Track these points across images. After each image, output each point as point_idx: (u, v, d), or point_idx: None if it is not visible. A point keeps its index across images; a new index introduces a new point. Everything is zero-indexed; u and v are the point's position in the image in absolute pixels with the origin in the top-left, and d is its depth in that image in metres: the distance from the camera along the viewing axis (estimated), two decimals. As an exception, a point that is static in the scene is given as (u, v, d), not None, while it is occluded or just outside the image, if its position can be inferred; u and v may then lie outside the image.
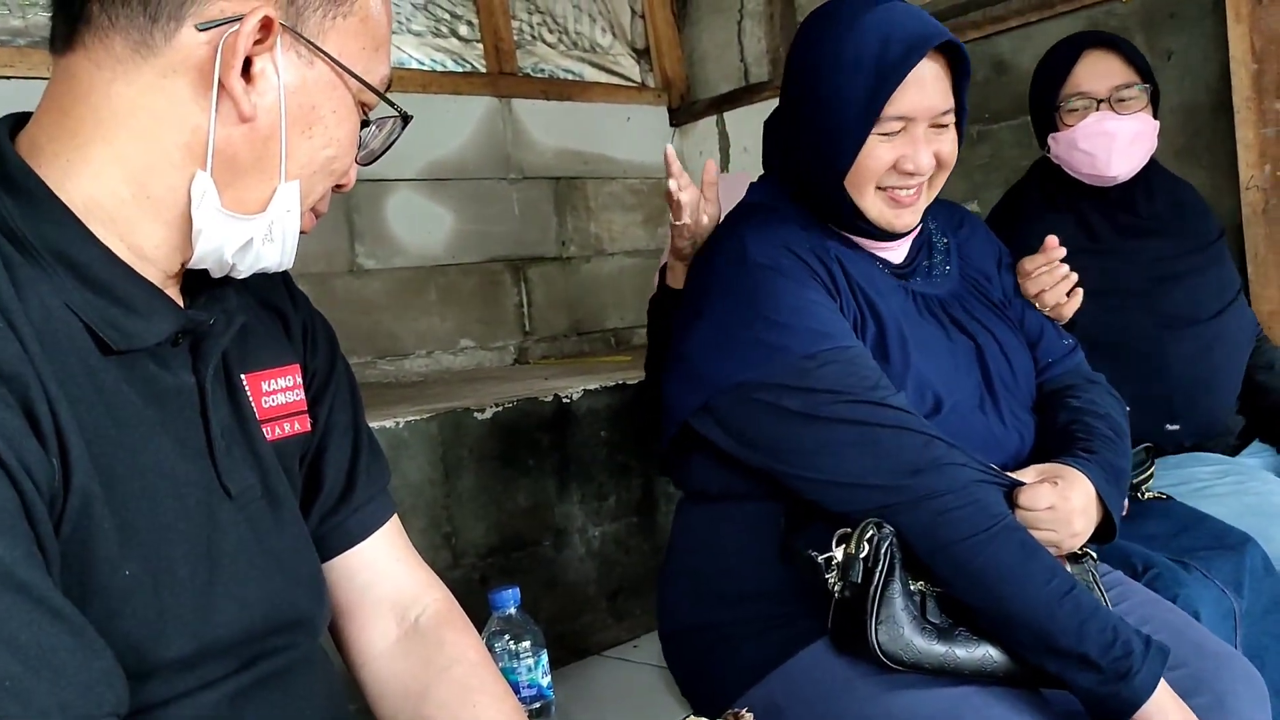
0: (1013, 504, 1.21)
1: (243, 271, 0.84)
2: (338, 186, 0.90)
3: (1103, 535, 1.29)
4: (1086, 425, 1.34)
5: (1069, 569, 1.21)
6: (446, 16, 3.06)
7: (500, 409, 1.78)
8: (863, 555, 1.11)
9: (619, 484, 1.91)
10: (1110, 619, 1.10)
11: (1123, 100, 1.81)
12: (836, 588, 1.12)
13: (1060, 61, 1.85)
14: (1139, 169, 1.85)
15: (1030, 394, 1.40)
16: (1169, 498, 1.78)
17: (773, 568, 1.25)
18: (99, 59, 0.77)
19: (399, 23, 2.96)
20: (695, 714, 1.04)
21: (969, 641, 1.14)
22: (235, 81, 0.76)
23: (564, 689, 1.56)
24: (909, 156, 1.25)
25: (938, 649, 1.12)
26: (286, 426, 0.94)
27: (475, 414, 1.76)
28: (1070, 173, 1.87)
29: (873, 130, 1.23)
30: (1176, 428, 1.86)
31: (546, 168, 3.12)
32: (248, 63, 0.77)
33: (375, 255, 2.76)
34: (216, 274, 0.84)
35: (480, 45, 3.09)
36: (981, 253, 1.48)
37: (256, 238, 0.82)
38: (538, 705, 1.33)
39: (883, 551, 1.12)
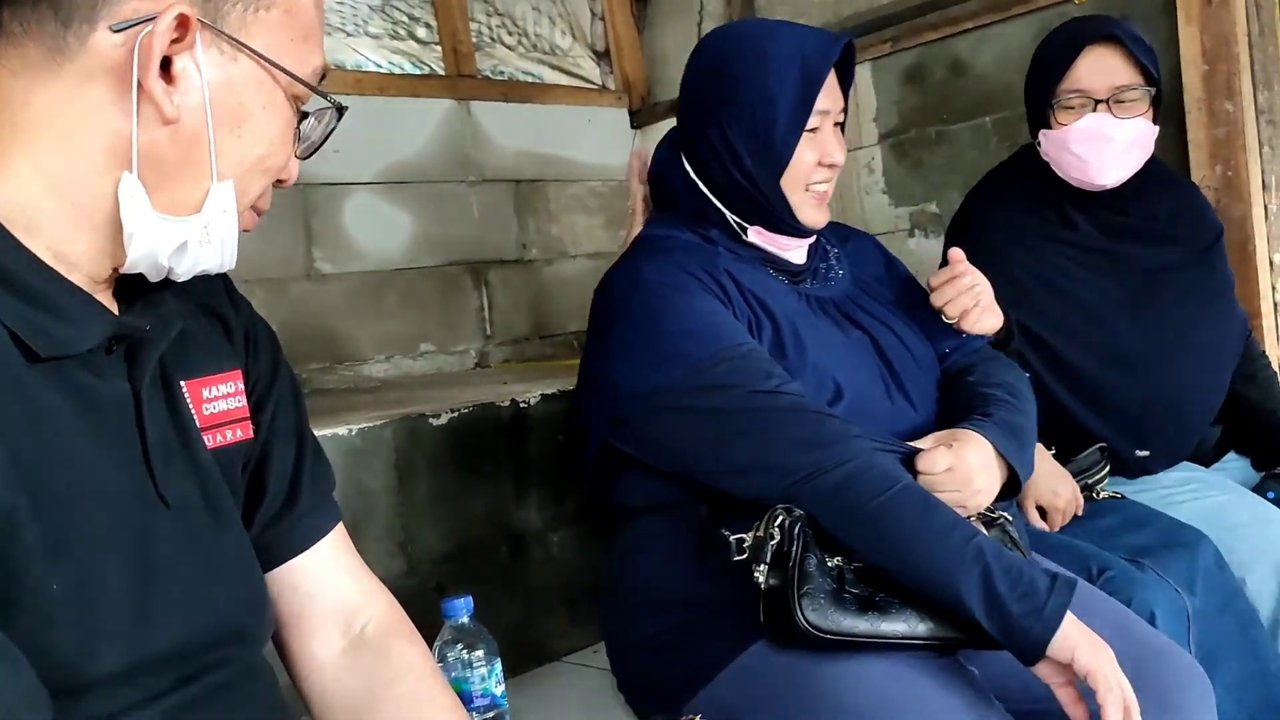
0: (914, 471, 1.26)
1: (181, 275, 0.82)
2: (278, 182, 0.88)
3: (1012, 491, 1.36)
4: (981, 394, 1.42)
5: (986, 534, 1.22)
6: (404, 19, 3.03)
7: (456, 414, 1.76)
8: (773, 540, 1.16)
9: (577, 489, 1.90)
10: (1015, 560, 1.14)
11: (1122, 102, 1.71)
12: (760, 577, 1.16)
13: (1061, 54, 1.74)
14: (1131, 175, 1.77)
15: (934, 376, 1.48)
16: (1123, 496, 1.80)
17: (707, 572, 1.27)
18: (14, 67, 0.75)
19: (356, 25, 2.93)
20: None
21: (891, 609, 1.17)
22: (154, 83, 0.74)
23: (521, 697, 1.55)
24: (828, 151, 1.40)
25: (862, 623, 1.16)
26: (228, 434, 0.92)
27: (430, 420, 1.74)
28: (1057, 172, 1.79)
29: (805, 129, 1.36)
30: (1145, 454, 1.82)
31: (506, 170, 3.10)
32: (167, 63, 0.75)
33: (333, 259, 2.73)
34: (153, 278, 0.82)
35: (439, 47, 3.07)
36: (871, 260, 1.59)
37: (191, 240, 0.80)
38: (491, 715, 1.32)
39: (795, 533, 1.16)
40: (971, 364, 1.50)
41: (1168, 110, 2.25)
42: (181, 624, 0.80)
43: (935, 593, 1.15)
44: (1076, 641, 1.09)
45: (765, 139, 1.37)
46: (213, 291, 0.97)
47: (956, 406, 1.42)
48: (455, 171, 2.99)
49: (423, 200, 2.90)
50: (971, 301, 1.49)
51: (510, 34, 3.28)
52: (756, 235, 1.43)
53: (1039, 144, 1.80)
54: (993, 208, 1.86)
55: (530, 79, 3.27)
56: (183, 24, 0.75)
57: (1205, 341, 1.84)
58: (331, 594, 1.01)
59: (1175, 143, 2.26)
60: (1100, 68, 1.71)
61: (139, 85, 0.74)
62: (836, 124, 1.42)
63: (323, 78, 0.87)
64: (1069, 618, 1.10)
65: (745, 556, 1.18)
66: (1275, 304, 2.21)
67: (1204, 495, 1.82)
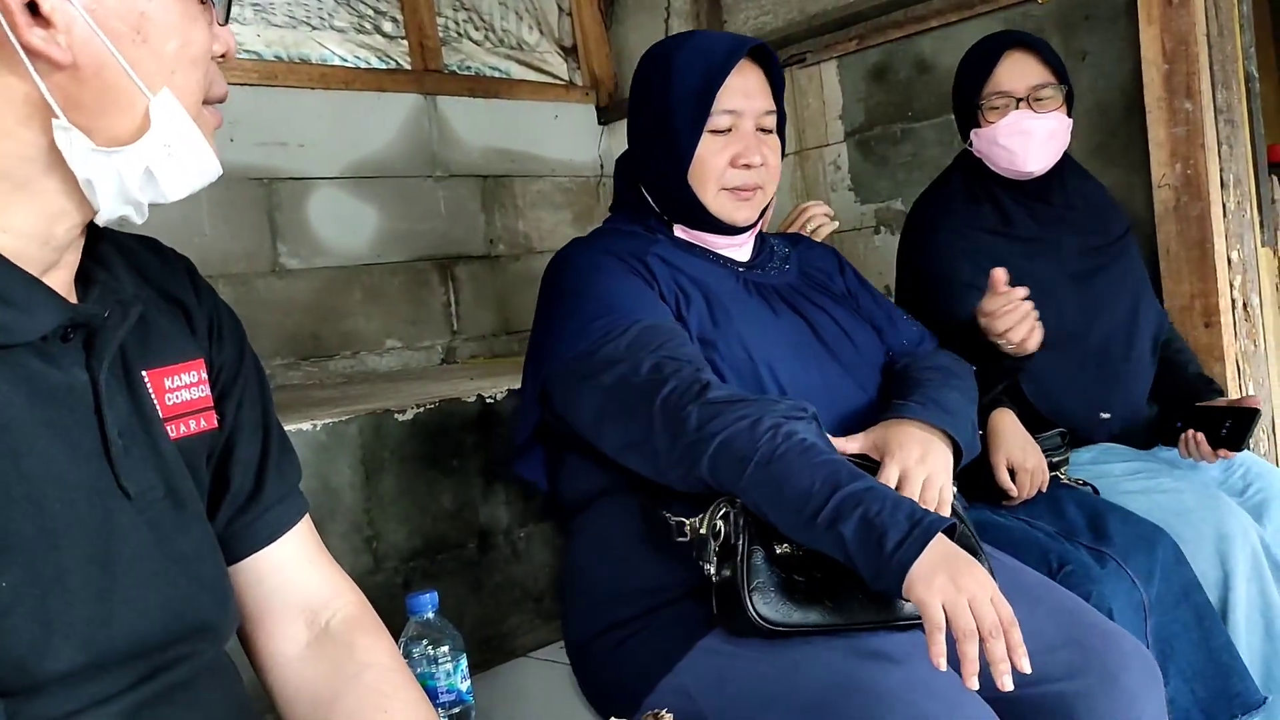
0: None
1: (173, 196, 0.79)
2: (220, 57, 0.83)
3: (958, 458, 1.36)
4: (911, 379, 1.45)
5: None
6: (370, 13, 3.01)
7: (422, 410, 1.76)
8: (718, 533, 1.18)
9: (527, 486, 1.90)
10: (886, 498, 1.11)
11: (1040, 100, 1.90)
12: (710, 570, 1.18)
13: (982, 61, 1.94)
14: (1053, 164, 1.96)
15: (878, 362, 1.52)
16: (1088, 484, 1.83)
17: (657, 561, 1.29)
18: None
19: (321, 19, 2.91)
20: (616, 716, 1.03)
21: (840, 592, 1.17)
22: (30, 34, 0.71)
23: (489, 692, 1.55)
24: (742, 152, 1.43)
25: (813, 614, 1.17)
26: (191, 424, 0.90)
27: (396, 415, 1.73)
28: (990, 166, 1.97)
29: (706, 127, 1.41)
30: (1108, 416, 1.95)
31: (473, 166, 3.09)
32: (35, 8, 0.71)
33: (298, 255, 2.71)
34: (137, 219, 0.79)
35: (405, 42, 3.05)
36: (821, 258, 1.63)
37: (154, 162, 0.77)
38: (457, 710, 1.32)
39: (740, 525, 1.18)
40: (914, 363, 1.53)
41: (1130, 109, 2.30)
42: (142, 619, 0.79)
43: (799, 535, 1.15)
44: (913, 582, 1.05)
45: (670, 139, 1.43)
46: (175, 278, 0.95)
47: (891, 394, 1.45)
48: (422, 167, 2.98)
49: (389, 195, 2.89)
50: (1032, 324, 1.58)
51: (477, 29, 3.27)
52: (681, 232, 1.49)
53: (970, 144, 2.00)
54: (936, 209, 2.02)
55: (497, 74, 3.26)
56: None
57: (1138, 318, 2.02)
58: (297, 587, 1.00)
59: (1136, 141, 2.29)
60: (1018, 70, 1.91)
61: (21, 44, 0.70)
62: (763, 129, 1.45)
63: None
64: (927, 559, 1.05)
65: (688, 541, 1.21)
66: (1233, 300, 2.24)
67: (1154, 480, 1.87)
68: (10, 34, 0.70)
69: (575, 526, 1.45)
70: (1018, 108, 1.90)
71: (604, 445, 1.31)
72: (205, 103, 0.82)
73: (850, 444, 1.33)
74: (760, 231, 1.58)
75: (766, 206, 1.51)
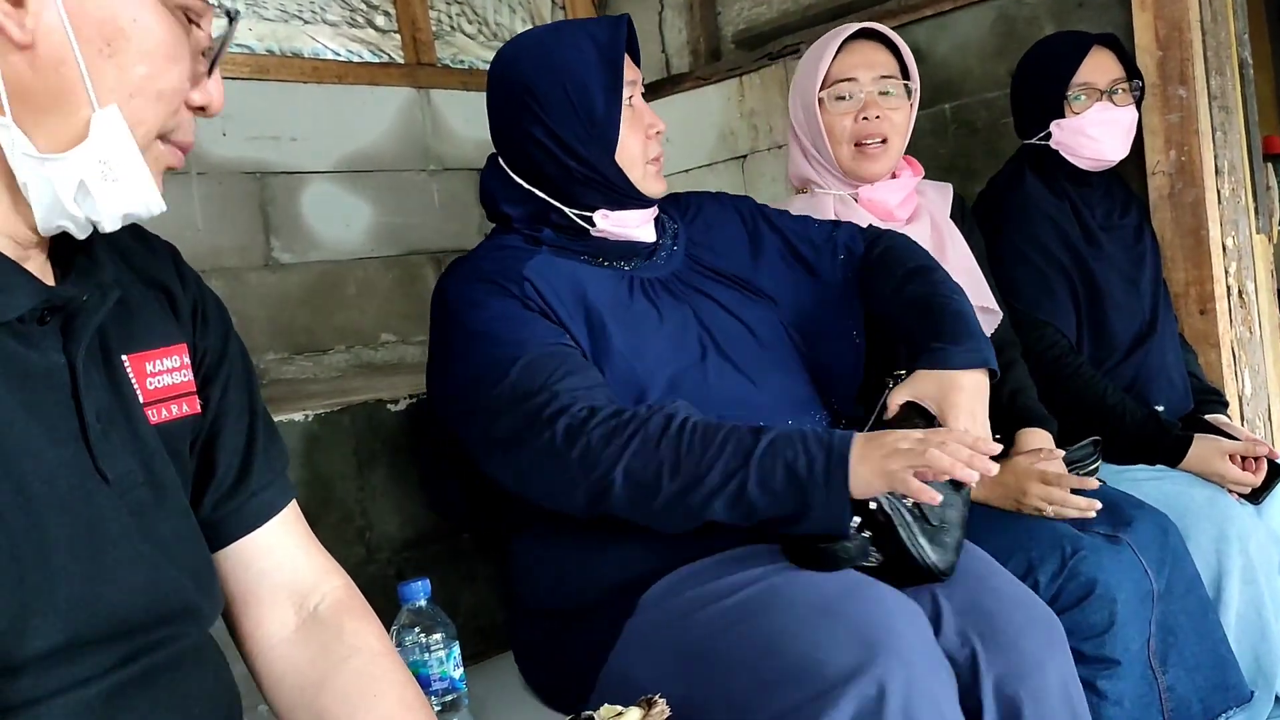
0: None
1: (105, 223, 0.77)
2: (199, 109, 0.82)
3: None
4: (918, 305, 1.45)
5: (956, 494, 1.26)
6: (363, 6, 3.00)
7: (414, 400, 1.75)
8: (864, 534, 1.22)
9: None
10: (787, 459, 1.17)
11: (1116, 94, 2.02)
12: (878, 558, 1.23)
13: (1067, 57, 2.03)
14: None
15: (776, 340, 1.50)
16: (1103, 482, 1.83)
17: (582, 577, 1.34)
18: None
19: (313, 12, 2.90)
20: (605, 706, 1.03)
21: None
22: None
23: (482, 681, 1.55)
24: (652, 120, 1.46)
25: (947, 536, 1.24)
26: (174, 408, 0.90)
27: (389, 406, 1.73)
28: (1069, 157, 2.04)
29: (625, 104, 1.41)
30: (1161, 408, 1.98)
31: (467, 159, 3.08)
32: None
33: (291, 249, 2.70)
34: (78, 233, 0.78)
35: (398, 36, 3.04)
36: (715, 222, 1.60)
37: (89, 178, 0.75)
38: (450, 698, 1.31)
39: (894, 508, 1.22)
40: (874, 267, 1.55)
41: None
42: (122, 600, 0.78)
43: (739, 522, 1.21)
44: (869, 482, 1.16)
45: (589, 121, 1.41)
46: (159, 264, 0.95)
47: (900, 330, 1.46)
48: (415, 160, 2.97)
49: (382, 189, 2.88)
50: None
51: (470, 22, 3.26)
52: (604, 220, 1.45)
53: (1046, 136, 2.04)
54: (1025, 202, 2.05)
55: (491, 68, 3.25)
56: None
57: (1169, 304, 2.14)
58: (284, 572, 0.99)
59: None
60: (1101, 65, 2.02)
61: None
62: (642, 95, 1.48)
63: None
64: (851, 470, 1.15)
65: (848, 558, 1.21)
66: (1228, 287, 2.23)
67: (1160, 471, 1.92)
68: None
69: (509, 546, 1.48)
70: (1100, 100, 2.00)
71: (519, 492, 1.33)
72: (165, 140, 0.81)
73: (899, 395, 1.35)
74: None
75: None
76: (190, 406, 0.92)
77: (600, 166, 1.42)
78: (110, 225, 0.78)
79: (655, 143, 1.46)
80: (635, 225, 1.48)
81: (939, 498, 1.16)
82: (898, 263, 1.54)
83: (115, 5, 0.74)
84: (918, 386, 1.35)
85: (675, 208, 1.62)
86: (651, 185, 1.47)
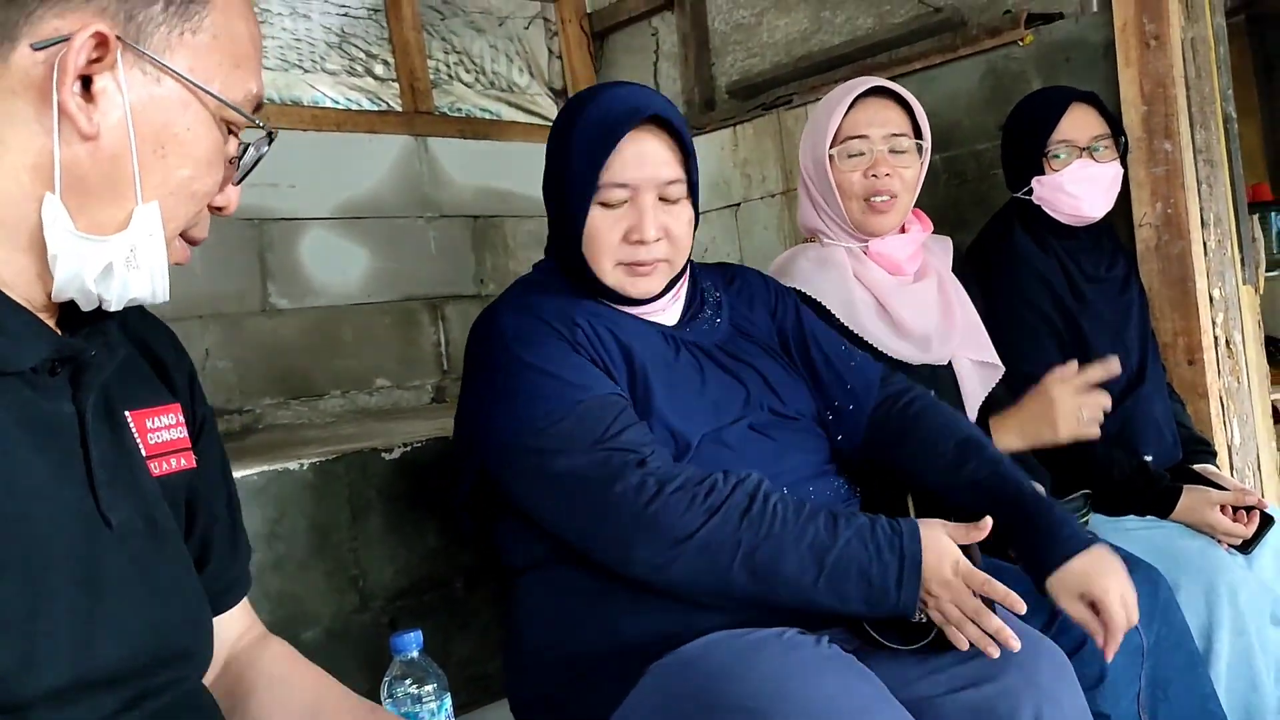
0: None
1: (112, 303, 0.82)
2: (217, 209, 0.89)
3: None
4: (987, 508, 1.37)
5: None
6: (362, 55, 3.05)
7: (409, 449, 1.77)
8: None
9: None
10: (862, 563, 1.21)
11: (1097, 150, 2.03)
12: None
13: (1046, 113, 2.04)
14: (1108, 211, 2.08)
15: (809, 418, 1.49)
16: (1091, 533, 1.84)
17: (595, 630, 1.30)
18: None
19: (313, 61, 2.94)
20: None
21: None
22: (70, 98, 0.76)
23: (474, 732, 1.54)
24: (635, 227, 1.34)
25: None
26: (173, 462, 0.94)
27: (383, 454, 1.74)
28: (1051, 213, 2.06)
29: (596, 199, 1.34)
30: (1150, 458, 1.99)
31: (464, 206, 3.11)
32: (89, 81, 0.77)
33: (289, 294, 2.73)
34: (84, 306, 0.83)
35: (396, 84, 3.09)
36: (759, 299, 1.57)
37: (117, 262, 0.80)
38: (441, 749, 1.31)
39: None
40: (908, 431, 1.51)
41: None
42: (125, 642, 0.81)
43: (816, 608, 1.24)
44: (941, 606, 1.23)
45: (561, 207, 1.38)
46: (157, 336, 0.99)
47: (968, 511, 1.38)
48: (413, 207, 3.00)
49: (380, 236, 2.91)
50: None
51: (468, 71, 3.31)
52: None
53: (1029, 191, 2.07)
54: (1013, 257, 2.07)
55: (488, 116, 3.30)
56: (102, 43, 0.76)
57: (1156, 354, 2.16)
58: (223, 644, 1.03)
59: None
60: (1081, 122, 2.03)
61: (59, 102, 0.75)
62: (665, 199, 1.36)
63: (258, 107, 0.88)
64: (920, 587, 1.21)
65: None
66: (1215, 338, 2.26)
67: (1154, 527, 1.92)
68: (55, 89, 0.75)
69: (517, 588, 1.43)
70: (1080, 157, 2.02)
71: (558, 533, 1.31)
72: (183, 236, 0.88)
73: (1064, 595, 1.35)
74: (692, 274, 1.53)
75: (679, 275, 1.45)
76: (187, 461, 0.95)
77: (569, 254, 1.39)
78: (117, 305, 0.83)
79: (636, 249, 1.36)
80: (646, 312, 1.44)
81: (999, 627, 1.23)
82: (942, 434, 1.48)
83: (173, 113, 0.81)
84: (1060, 593, 1.35)
85: (716, 275, 1.59)
86: (624, 286, 1.38)
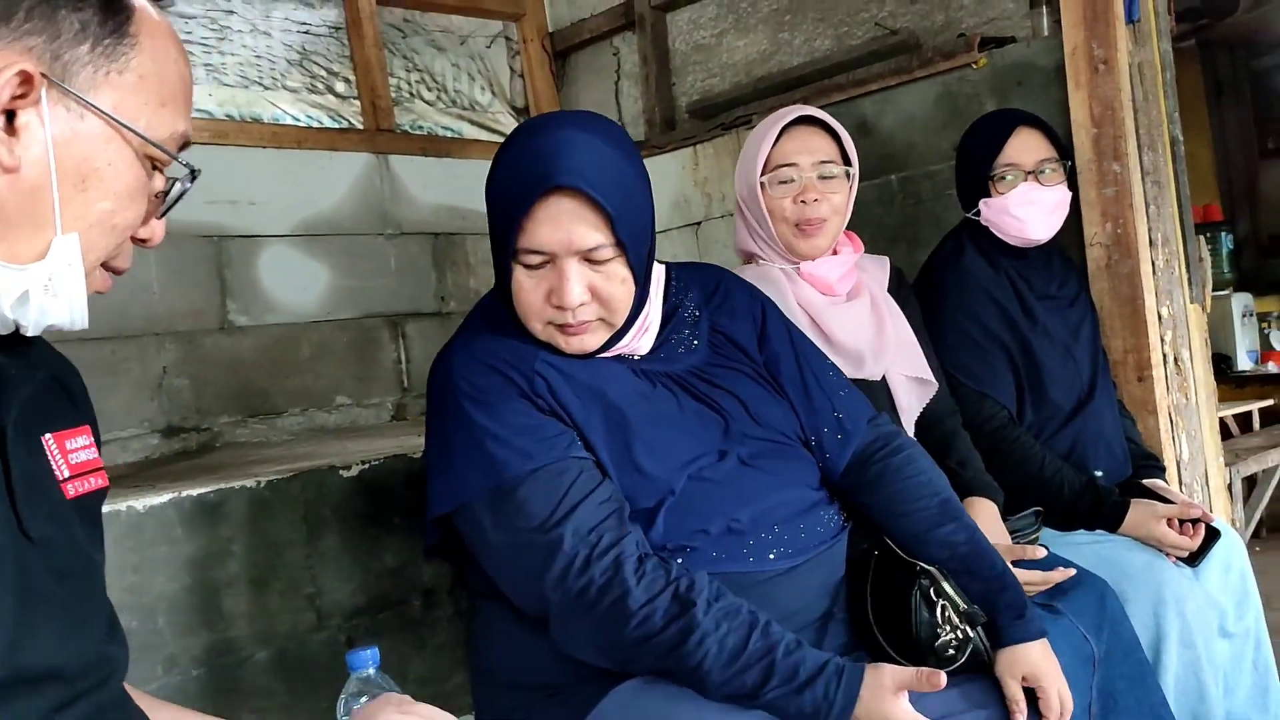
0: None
1: (30, 328, 0.85)
2: (141, 241, 0.91)
3: None
4: (958, 572, 1.39)
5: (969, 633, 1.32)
6: (323, 73, 3.05)
7: (366, 466, 1.76)
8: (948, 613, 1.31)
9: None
10: (792, 672, 1.19)
11: (1044, 173, 2.06)
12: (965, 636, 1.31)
13: (993, 135, 2.09)
14: (1055, 233, 2.12)
15: (791, 442, 1.45)
16: (1047, 548, 1.86)
17: (555, 656, 1.30)
18: None
19: (274, 78, 2.94)
20: None
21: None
22: None
23: (431, 751, 1.54)
24: (556, 291, 1.27)
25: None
26: (91, 481, 0.96)
27: (340, 472, 1.73)
28: (998, 234, 2.10)
29: (518, 262, 1.28)
30: (1101, 474, 2.03)
31: (425, 224, 3.11)
32: (13, 115, 0.79)
33: (248, 312, 2.71)
34: (0, 329, 0.85)
35: (357, 102, 3.09)
36: (741, 315, 1.52)
37: (34, 290, 0.83)
38: (397, 768, 1.30)
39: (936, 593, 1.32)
40: (892, 480, 1.47)
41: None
42: (54, 646, 0.84)
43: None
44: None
45: (495, 258, 1.34)
46: (68, 372, 1.01)
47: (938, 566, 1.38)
48: (373, 224, 3.00)
49: (340, 253, 2.90)
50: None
51: (430, 89, 3.32)
52: None
53: (977, 213, 2.10)
54: (964, 277, 2.11)
55: (450, 134, 3.30)
56: (26, 80, 0.79)
57: (1106, 372, 2.20)
58: None
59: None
60: (1027, 145, 2.07)
61: None
62: (593, 260, 1.27)
63: (185, 145, 0.91)
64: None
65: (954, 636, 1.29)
66: (1164, 355, 2.30)
67: (1103, 541, 1.95)
68: None
69: (480, 612, 1.44)
70: (1026, 180, 2.05)
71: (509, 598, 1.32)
72: (105, 266, 0.90)
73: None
74: (669, 287, 1.49)
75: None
76: (102, 480, 0.97)
77: (504, 301, 1.35)
78: (34, 330, 0.86)
79: (564, 312, 1.29)
80: (611, 348, 1.38)
81: None
82: (925, 488, 1.46)
83: (95, 148, 0.84)
84: (1009, 667, 1.35)
85: (699, 283, 1.53)
86: (561, 345, 1.33)
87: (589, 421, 1.31)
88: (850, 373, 1.78)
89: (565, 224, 1.25)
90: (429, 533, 1.37)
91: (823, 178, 1.84)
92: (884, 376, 1.87)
